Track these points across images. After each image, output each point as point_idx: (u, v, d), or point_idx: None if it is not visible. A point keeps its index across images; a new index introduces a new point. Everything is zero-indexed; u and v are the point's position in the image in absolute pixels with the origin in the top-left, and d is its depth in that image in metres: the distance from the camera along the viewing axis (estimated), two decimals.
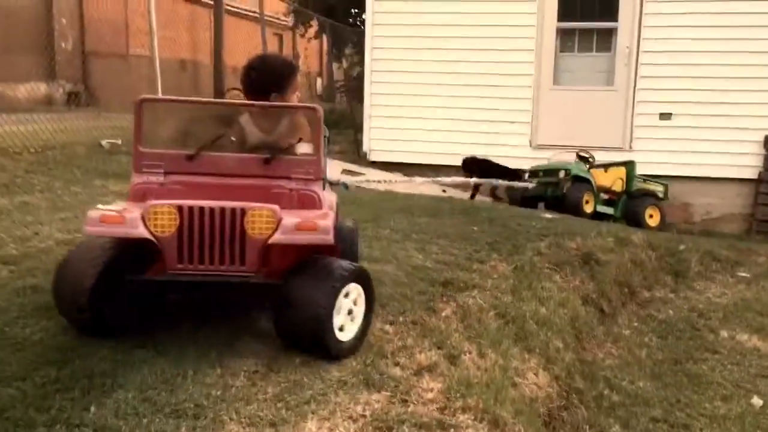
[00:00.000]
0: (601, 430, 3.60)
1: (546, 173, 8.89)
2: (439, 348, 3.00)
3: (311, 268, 2.58)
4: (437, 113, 10.93)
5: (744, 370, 4.77)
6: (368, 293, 2.75)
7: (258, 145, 2.87)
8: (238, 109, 3.02)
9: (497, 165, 9.43)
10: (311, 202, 2.71)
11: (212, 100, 3.00)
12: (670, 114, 10.16)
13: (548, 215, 7.26)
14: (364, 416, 2.21)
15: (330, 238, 2.49)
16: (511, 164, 9.76)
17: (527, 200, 8.84)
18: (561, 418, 3.42)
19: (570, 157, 9.16)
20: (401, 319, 3.24)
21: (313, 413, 2.20)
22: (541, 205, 8.86)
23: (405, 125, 11.03)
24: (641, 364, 4.66)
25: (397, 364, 2.66)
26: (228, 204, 2.47)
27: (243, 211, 2.46)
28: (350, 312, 2.65)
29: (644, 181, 9.23)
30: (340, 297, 2.56)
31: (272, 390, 2.32)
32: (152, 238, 2.42)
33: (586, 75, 10.79)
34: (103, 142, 8.46)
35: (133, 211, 2.44)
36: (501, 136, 10.66)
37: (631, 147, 10.32)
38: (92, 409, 2.13)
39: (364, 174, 10.41)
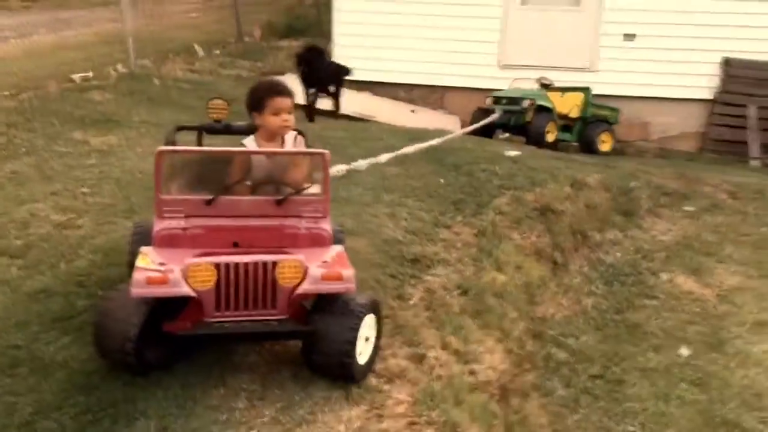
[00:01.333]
0: (546, 392, 4.20)
1: (509, 101, 9.19)
2: (408, 346, 3.49)
3: (334, 308, 2.91)
4: (407, 31, 11.03)
5: (677, 316, 5.39)
6: (379, 320, 3.13)
7: (265, 180, 3.16)
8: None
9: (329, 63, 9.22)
10: (322, 240, 3.05)
11: (226, 150, 3.25)
12: (634, 35, 10.41)
13: (512, 153, 7.64)
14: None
15: (353, 287, 2.84)
16: (476, 84, 10.03)
17: (487, 126, 9.11)
18: (512, 388, 3.98)
19: (529, 82, 9.43)
20: None
21: None
22: (499, 132, 9.18)
23: (375, 44, 11.12)
24: (587, 316, 5.25)
25: (373, 372, 3.13)
26: (260, 258, 2.79)
27: (274, 264, 2.79)
28: (366, 339, 3.03)
29: (598, 106, 9.59)
30: (359, 330, 2.92)
31: (269, 412, 2.80)
32: (194, 294, 2.73)
33: None
34: (75, 77, 8.52)
35: (174, 270, 2.72)
36: (469, 55, 10.85)
37: (595, 67, 10.60)
38: None
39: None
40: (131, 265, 2.89)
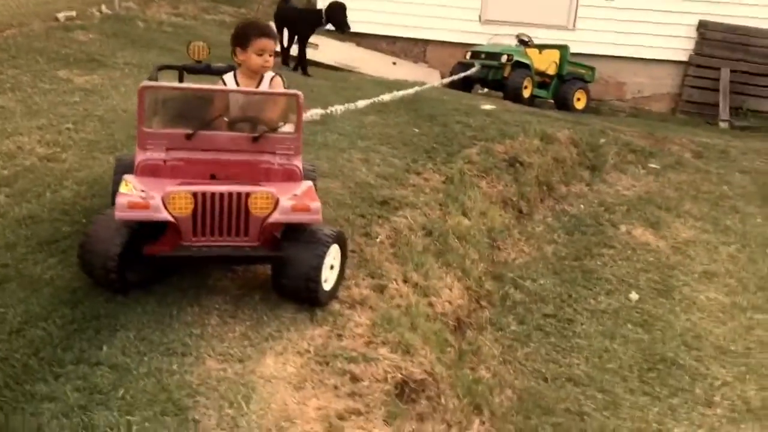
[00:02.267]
0: (501, 328, 4.52)
1: (488, 56, 9.38)
2: (371, 278, 3.77)
3: (302, 236, 3.13)
4: None
5: (631, 265, 5.72)
6: (344, 250, 3.37)
7: (242, 117, 3.35)
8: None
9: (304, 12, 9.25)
10: (294, 175, 3.26)
11: (206, 87, 3.44)
12: None
13: (487, 107, 7.88)
14: (308, 351, 3.00)
15: (320, 218, 3.06)
16: (458, 38, 10.18)
17: (466, 80, 9.30)
18: (468, 322, 4.30)
19: (508, 38, 9.60)
20: None
21: (270, 349, 2.97)
22: (477, 87, 9.39)
23: None
24: (546, 261, 5.57)
25: (336, 298, 3.41)
26: (234, 188, 3.00)
27: (247, 195, 2.99)
28: (331, 267, 3.25)
29: (574, 64, 9.80)
30: (325, 257, 3.14)
31: (239, 329, 3.07)
32: (173, 219, 2.94)
33: None
34: (60, 15, 8.57)
35: (155, 197, 2.92)
36: (452, 9, 10.96)
37: (574, 26, 10.79)
38: (104, 348, 2.85)
39: (317, 45, 10.69)
40: (115, 196, 3.09)
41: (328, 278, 3.26)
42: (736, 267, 5.90)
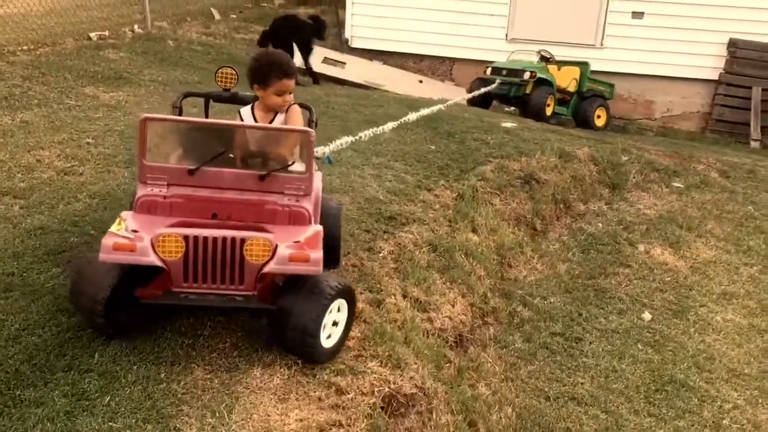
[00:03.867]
0: (505, 345, 4.49)
1: (510, 73, 9.36)
2: (369, 292, 3.78)
3: (303, 288, 2.92)
4: (419, 1, 11.17)
5: (647, 284, 5.64)
6: (351, 304, 3.12)
7: (253, 154, 3.23)
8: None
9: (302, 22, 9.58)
10: (302, 219, 3.04)
11: (214, 121, 3.35)
12: (643, 13, 10.47)
13: (508, 125, 7.86)
14: (296, 363, 3.02)
15: (319, 270, 2.82)
16: (484, 56, 10.20)
17: (486, 97, 9.29)
18: (471, 338, 4.29)
19: (528, 54, 9.58)
20: (344, 262, 4.00)
21: (259, 360, 3.01)
22: (496, 103, 9.37)
23: (387, 13, 11.30)
24: (559, 279, 5.51)
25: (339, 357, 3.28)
26: (229, 234, 2.80)
27: (242, 240, 2.80)
28: (335, 323, 3.05)
29: (594, 81, 9.72)
30: (327, 312, 2.94)
31: (230, 339, 3.12)
32: (161, 264, 2.76)
33: None
34: (92, 35, 8.83)
35: (143, 239, 2.77)
36: (479, 28, 11.00)
37: (602, 44, 10.71)
38: (96, 356, 2.92)
39: (344, 63, 10.82)
40: None
41: (332, 334, 3.07)
42: (757, 288, 5.77)
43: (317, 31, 9.48)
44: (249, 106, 3.52)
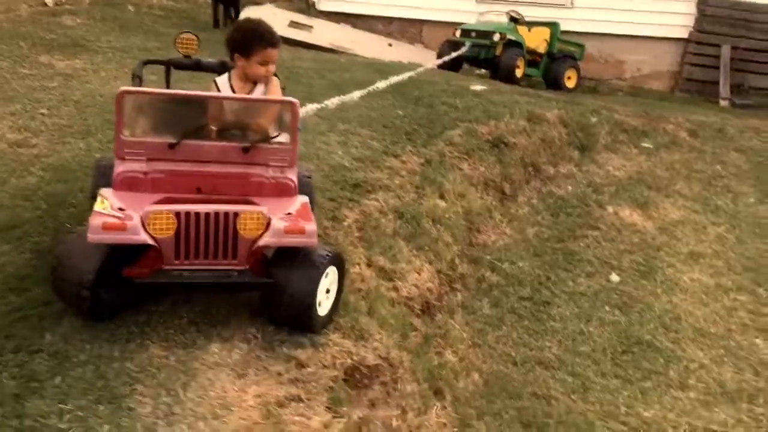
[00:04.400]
0: (473, 311, 4.46)
1: (479, 35, 9.20)
2: None
3: (295, 260, 2.87)
4: None
5: (615, 246, 5.63)
6: (341, 273, 3.11)
7: (235, 125, 3.11)
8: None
9: None
10: (288, 190, 3.00)
11: (193, 93, 3.22)
12: None
13: (477, 88, 7.76)
14: (256, 337, 2.95)
15: (315, 241, 2.80)
16: (454, 18, 10.05)
17: (456, 60, 9.13)
18: (438, 306, 4.25)
19: (497, 15, 9.43)
20: None
21: (217, 335, 2.93)
22: (466, 66, 9.24)
23: None
24: (528, 243, 5.49)
25: (332, 322, 3.18)
26: (222, 208, 2.73)
27: (236, 215, 2.73)
28: (327, 291, 3.02)
29: (564, 42, 9.62)
30: (320, 282, 2.92)
31: (188, 315, 3.03)
32: (153, 242, 2.68)
33: None
34: (48, 1, 8.54)
35: (133, 216, 2.67)
36: None
37: (572, 4, 10.58)
38: (47, 336, 2.82)
39: (311, 27, 10.60)
40: (93, 201, 2.83)
41: (323, 303, 3.03)
42: (724, 248, 5.80)
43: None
44: (225, 76, 3.36)
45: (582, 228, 5.85)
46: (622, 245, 5.65)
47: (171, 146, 2.92)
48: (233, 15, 10.67)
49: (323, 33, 10.54)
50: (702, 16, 10.15)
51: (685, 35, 10.36)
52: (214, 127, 3.10)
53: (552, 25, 9.52)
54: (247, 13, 10.68)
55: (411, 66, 8.28)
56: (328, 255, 2.99)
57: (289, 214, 2.87)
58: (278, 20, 10.53)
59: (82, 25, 7.89)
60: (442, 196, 5.17)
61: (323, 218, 4.14)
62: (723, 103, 9.96)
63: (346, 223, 4.19)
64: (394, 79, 6.70)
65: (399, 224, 4.53)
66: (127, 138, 2.93)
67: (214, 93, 3.30)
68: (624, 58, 10.73)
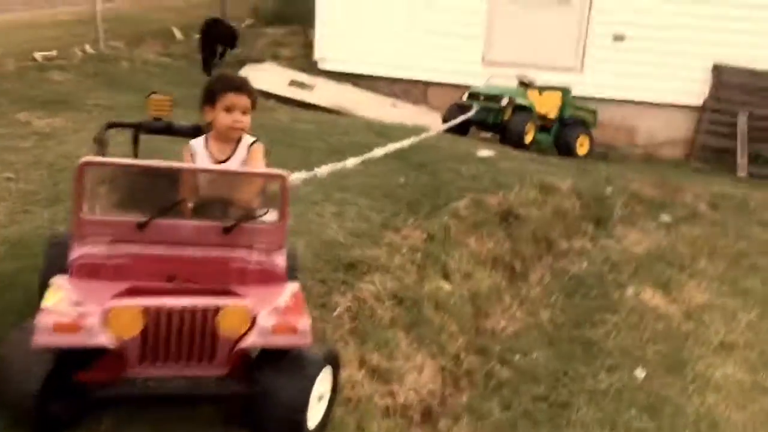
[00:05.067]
0: (481, 415, 3.88)
1: (488, 98, 8.84)
2: None
3: (284, 363, 2.46)
4: (391, 23, 10.72)
5: (638, 334, 5.08)
6: (336, 372, 2.70)
7: (213, 200, 2.71)
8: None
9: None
10: (275, 277, 2.61)
11: (165, 164, 2.77)
12: (624, 36, 10.07)
13: (484, 154, 7.33)
14: None
15: (308, 341, 2.41)
16: (459, 80, 9.78)
17: (463, 123, 8.75)
18: (441, 411, 3.68)
19: (508, 78, 9.10)
20: None
21: None
22: (473, 130, 8.90)
23: (358, 34, 10.81)
24: (541, 330, 4.94)
25: None
26: (198, 302, 2.36)
27: (215, 310, 2.35)
28: (320, 398, 2.61)
29: (576, 107, 9.27)
30: (313, 389, 2.51)
31: (152, 426, 2.49)
32: (114, 345, 2.26)
33: None
34: (37, 55, 8.21)
35: (90, 314, 2.26)
36: (453, 50, 10.52)
37: (582, 68, 10.27)
38: None
39: (312, 86, 10.29)
40: (43, 289, 2.42)
41: (314, 411, 2.57)
42: (757, 338, 5.24)
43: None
44: (202, 138, 2.95)
45: (600, 312, 5.31)
46: (646, 333, 5.11)
47: (139, 226, 2.53)
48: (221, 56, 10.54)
49: (324, 93, 10.22)
50: (717, 83, 9.81)
51: (699, 102, 9.99)
52: (189, 204, 2.67)
53: (564, 90, 9.17)
54: (247, 70, 10.39)
55: (415, 129, 7.86)
56: (321, 355, 2.58)
57: (277, 308, 2.46)
58: (279, 79, 10.25)
59: (70, 81, 7.52)
60: (446, 277, 4.65)
61: (311, 306, 3.61)
62: (741, 173, 9.52)
63: (336, 312, 3.67)
64: (394, 147, 6.23)
65: (397, 312, 4.00)
66: (88, 217, 2.51)
67: (190, 164, 2.86)
68: (636, 125, 10.35)
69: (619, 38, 10.06)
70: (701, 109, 9.98)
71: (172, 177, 2.69)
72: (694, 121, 10.14)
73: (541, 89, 9.02)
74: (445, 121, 8.76)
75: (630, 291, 5.70)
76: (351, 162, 5.36)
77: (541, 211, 6.18)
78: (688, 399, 4.42)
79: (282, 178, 2.61)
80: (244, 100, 2.87)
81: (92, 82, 7.68)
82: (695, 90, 9.97)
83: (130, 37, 10.07)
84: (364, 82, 10.83)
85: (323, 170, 4.94)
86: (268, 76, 10.28)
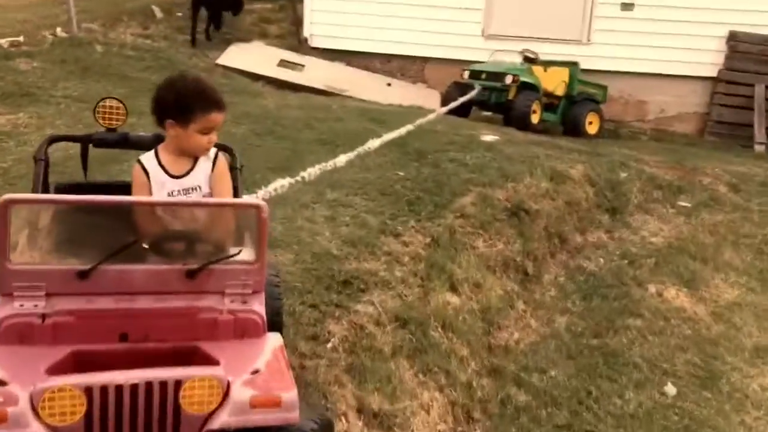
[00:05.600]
0: None
1: (490, 76, 8.25)
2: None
3: None
4: None
5: (664, 341, 4.62)
6: None
7: (173, 235, 2.22)
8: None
9: None
10: (253, 328, 2.14)
11: (112, 199, 2.23)
12: (632, 4, 9.49)
13: (488, 138, 6.80)
14: None
15: (296, 416, 1.94)
16: (459, 55, 9.23)
17: (464, 104, 8.19)
18: None
19: (511, 54, 8.52)
20: None
21: None
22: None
23: (351, 8, 10.18)
24: (559, 341, 4.47)
25: None
26: (156, 375, 1.87)
27: (178, 383, 1.87)
28: None
29: (585, 83, 8.69)
30: None
31: None
32: None
33: None
34: (2, 41, 7.62)
35: (17, 397, 1.78)
36: (452, 23, 9.94)
37: (589, 40, 9.72)
38: None
39: (303, 66, 9.72)
40: None
41: None
42: None
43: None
44: (152, 152, 2.44)
45: (622, 316, 4.83)
46: (673, 339, 4.64)
47: (81, 275, 2.04)
48: (218, 25, 10.27)
49: (316, 72, 9.63)
50: (732, 52, 9.23)
51: (713, 74, 9.42)
52: (145, 244, 2.16)
53: (571, 65, 8.58)
54: (234, 50, 9.80)
55: (413, 112, 7.32)
56: (313, 428, 2.07)
57: (256, 371, 1.98)
58: (267, 59, 9.66)
59: (38, 70, 6.94)
60: (453, 288, 4.17)
61: (299, 338, 3.14)
62: (758, 147, 8.99)
63: (330, 345, 3.18)
64: (389, 136, 5.69)
65: (400, 337, 3.51)
66: (16, 266, 2.01)
67: (142, 198, 2.35)
68: (646, 99, 9.79)
69: (627, 7, 9.46)
70: (715, 81, 9.42)
71: (121, 212, 2.18)
72: (707, 94, 9.58)
73: (547, 65, 8.43)
74: (444, 101, 8.20)
75: (652, 289, 5.22)
76: (343, 159, 4.82)
77: (554, 203, 5.68)
78: (726, 418, 3.97)
79: (258, 208, 2.11)
80: (221, 118, 2.41)
81: (61, 70, 7.09)
82: (709, 60, 9.41)
83: (106, 17, 9.44)
84: (357, 59, 10.24)
85: (312, 172, 4.41)
86: (255, 56, 9.69)
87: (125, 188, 2.56)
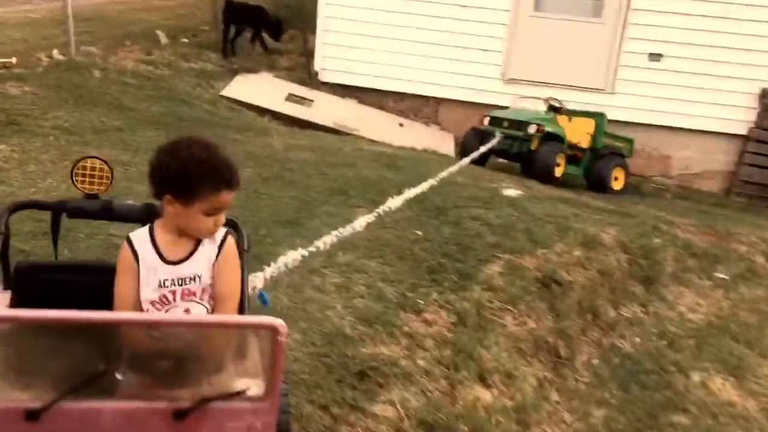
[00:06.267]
0: None
1: (513, 125, 7.77)
2: None
3: None
4: (401, 32, 9.69)
5: None
6: None
7: (158, 356, 1.68)
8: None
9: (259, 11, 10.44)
10: None
11: (78, 315, 1.62)
12: (661, 55, 9.06)
13: (511, 193, 6.29)
14: None
15: None
16: (475, 98, 8.78)
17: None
18: None
19: (535, 101, 8.06)
20: None
21: None
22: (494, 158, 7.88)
23: (364, 44, 9.75)
24: None
25: None
26: None
27: None
28: None
29: (610, 136, 8.23)
30: None
31: None
32: None
33: (571, 3, 9.48)
34: None
35: None
36: (470, 64, 9.50)
37: (613, 89, 9.24)
38: None
39: (312, 101, 9.24)
40: None
41: None
42: None
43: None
44: (146, 229, 1.93)
45: (665, 411, 4.27)
46: None
47: (30, 415, 1.48)
48: (262, 42, 10.67)
49: (325, 109, 9.16)
50: (765, 111, 8.79)
51: (743, 131, 8.98)
52: (119, 374, 1.62)
53: (597, 116, 8.11)
54: (241, 81, 9.32)
55: (429, 158, 6.81)
56: None
57: None
58: (275, 92, 9.19)
59: (28, 95, 6.42)
60: (482, 379, 3.60)
61: None
62: None
63: None
64: (411, 193, 5.18)
65: None
66: None
67: (120, 315, 1.78)
68: (670, 153, 9.32)
69: (655, 57, 9.03)
70: (745, 139, 8.96)
71: (93, 329, 1.57)
72: (734, 152, 9.12)
73: (572, 114, 7.96)
74: (463, 148, 7.70)
75: (696, 378, 4.66)
76: (362, 222, 4.29)
77: (586, 273, 5.13)
78: None
79: (274, 329, 1.53)
80: (231, 197, 1.91)
81: (54, 97, 6.57)
82: (739, 117, 8.96)
83: (107, 40, 8.97)
84: (369, 96, 9.77)
85: (327, 241, 3.87)
86: (262, 89, 9.22)
87: (107, 272, 2.00)
